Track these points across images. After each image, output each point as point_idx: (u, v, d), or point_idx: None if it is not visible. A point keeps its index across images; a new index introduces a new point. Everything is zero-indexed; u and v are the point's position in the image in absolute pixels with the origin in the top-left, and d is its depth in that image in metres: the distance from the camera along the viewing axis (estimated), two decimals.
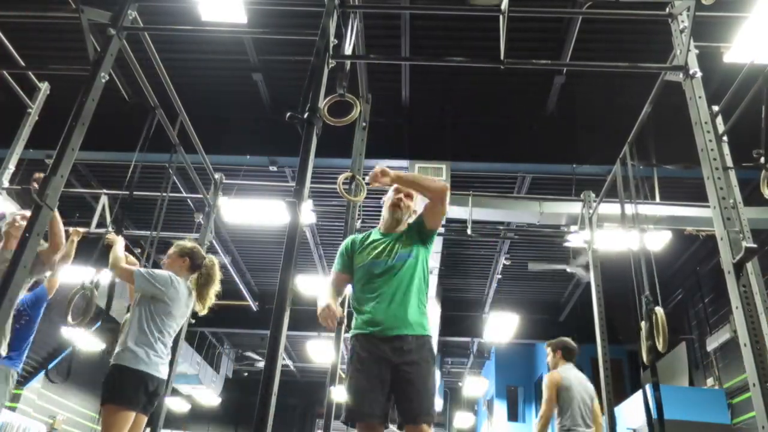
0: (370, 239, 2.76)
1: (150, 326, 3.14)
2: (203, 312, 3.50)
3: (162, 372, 3.15)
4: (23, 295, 4.28)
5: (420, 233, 2.72)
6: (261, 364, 16.61)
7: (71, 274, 6.97)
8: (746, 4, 4.01)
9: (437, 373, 2.74)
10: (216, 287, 3.52)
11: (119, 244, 3.49)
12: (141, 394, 3.01)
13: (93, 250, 4.17)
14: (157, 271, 3.29)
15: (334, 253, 2.68)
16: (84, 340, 9.67)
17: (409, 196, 2.84)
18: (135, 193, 4.61)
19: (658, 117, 4.88)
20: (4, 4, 4.86)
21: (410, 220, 2.83)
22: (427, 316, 2.60)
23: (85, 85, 3.04)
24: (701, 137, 3.01)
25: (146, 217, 9.48)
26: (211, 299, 3.50)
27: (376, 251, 2.67)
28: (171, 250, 3.48)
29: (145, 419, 3.13)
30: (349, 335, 2.58)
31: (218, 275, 3.53)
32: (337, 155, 5.95)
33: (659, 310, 3.69)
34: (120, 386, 2.98)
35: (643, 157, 5.98)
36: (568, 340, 4.64)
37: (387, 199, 2.86)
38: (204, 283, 3.46)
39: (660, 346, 3.63)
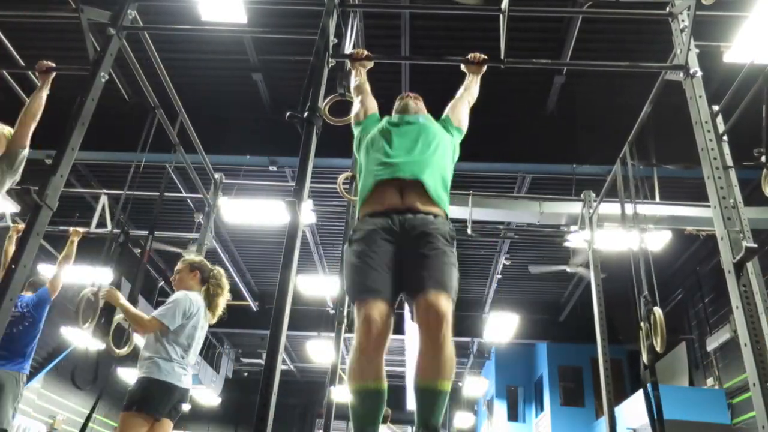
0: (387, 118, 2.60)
1: (177, 340, 3.21)
2: (212, 321, 3.54)
3: (185, 382, 3.21)
4: (24, 295, 4.28)
5: (446, 128, 2.58)
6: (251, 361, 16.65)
7: (73, 275, 6.99)
8: (746, 4, 4.01)
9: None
10: (226, 296, 3.58)
11: (120, 297, 3.38)
12: (165, 403, 3.08)
13: (94, 251, 4.16)
14: (175, 303, 3.27)
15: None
16: (83, 340, 9.66)
17: (417, 98, 2.71)
18: (135, 193, 4.62)
19: (658, 117, 4.87)
20: (3, 4, 4.86)
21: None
22: (449, 197, 2.31)
23: (85, 85, 3.03)
24: (701, 137, 3.01)
25: (146, 217, 9.48)
26: (221, 308, 3.56)
27: (397, 115, 2.54)
28: (180, 266, 3.52)
29: (171, 425, 3.18)
30: (355, 214, 2.30)
31: (227, 285, 3.59)
32: (337, 155, 5.95)
33: (658, 311, 3.69)
34: (144, 395, 3.05)
35: (643, 157, 5.98)
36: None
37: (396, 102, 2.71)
38: (214, 294, 3.51)
39: (658, 347, 3.63)
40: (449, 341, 1.88)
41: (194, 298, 3.37)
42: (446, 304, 1.88)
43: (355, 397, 1.94)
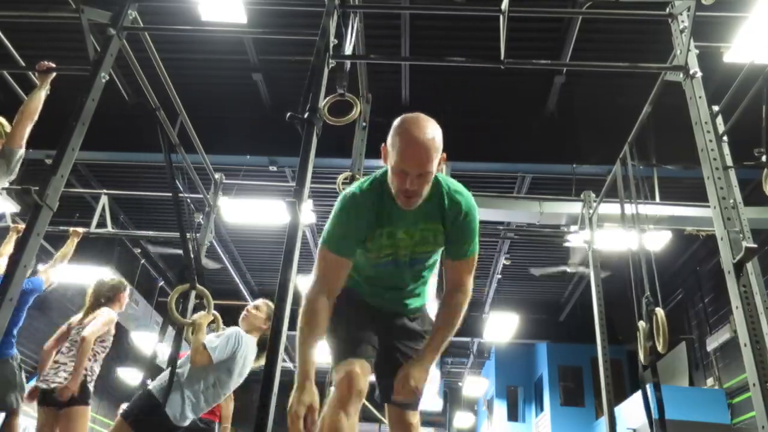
0: (386, 213, 2.05)
1: (208, 389, 3.23)
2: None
3: (185, 422, 3.19)
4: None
5: (443, 235, 2.17)
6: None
7: (73, 275, 6.99)
8: (746, 4, 4.01)
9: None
10: None
11: (202, 329, 3.35)
12: (152, 426, 3.08)
13: (94, 251, 4.14)
14: (229, 339, 3.28)
15: None
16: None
17: (423, 176, 1.89)
18: (135, 193, 4.62)
19: (658, 117, 4.87)
20: (4, 4, 4.86)
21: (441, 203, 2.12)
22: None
23: (85, 86, 3.04)
24: (701, 137, 3.01)
25: (146, 217, 9.48)
26: None
27: (392, 244, 2.07)
28: (264, 310, 3.49)
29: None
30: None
31: None
32: (337, 155, 5.94)
33: (660, 311, 3.69)
34: (138, 412, 3.08)
35: (643, 157, 5.97)
36: None
37: (390, 174, 1.95)
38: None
39: (660, 347, 3.63)
40: None
41: (249, 342, 3.34)
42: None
43: None
